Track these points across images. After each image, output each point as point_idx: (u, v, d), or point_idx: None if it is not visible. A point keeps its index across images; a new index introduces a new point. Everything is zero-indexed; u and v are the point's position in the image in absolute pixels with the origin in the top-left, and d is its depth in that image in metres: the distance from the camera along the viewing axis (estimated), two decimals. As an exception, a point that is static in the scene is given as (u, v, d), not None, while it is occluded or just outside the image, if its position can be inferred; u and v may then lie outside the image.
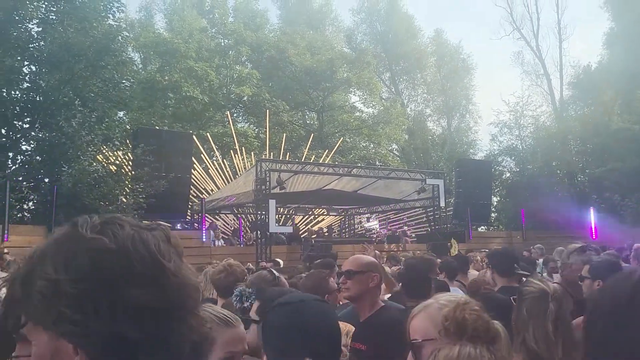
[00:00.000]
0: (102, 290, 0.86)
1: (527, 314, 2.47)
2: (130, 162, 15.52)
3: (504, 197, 27.63)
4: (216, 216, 21.28)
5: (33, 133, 15.40)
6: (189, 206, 18.29)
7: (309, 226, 24.14)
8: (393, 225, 23.67)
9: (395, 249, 17.18)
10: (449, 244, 16.25)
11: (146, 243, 0.93)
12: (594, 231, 21.45)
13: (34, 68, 15.90)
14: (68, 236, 0.92)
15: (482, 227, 25.22)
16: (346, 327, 3.40)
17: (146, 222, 1.01)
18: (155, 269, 0.91)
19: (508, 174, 28.78)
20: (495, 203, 27.48)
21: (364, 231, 25.31)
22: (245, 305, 3.57)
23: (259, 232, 16.55)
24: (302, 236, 19.59)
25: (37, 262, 0.91)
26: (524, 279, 5.66)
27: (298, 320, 1.70)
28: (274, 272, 4.17)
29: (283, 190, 16.77)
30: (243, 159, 24.49)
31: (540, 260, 10.11)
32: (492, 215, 26.86)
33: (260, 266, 8.64)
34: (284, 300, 1.80)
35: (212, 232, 17.41)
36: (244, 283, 4.61)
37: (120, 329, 0.86)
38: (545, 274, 8.34)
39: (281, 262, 10.32)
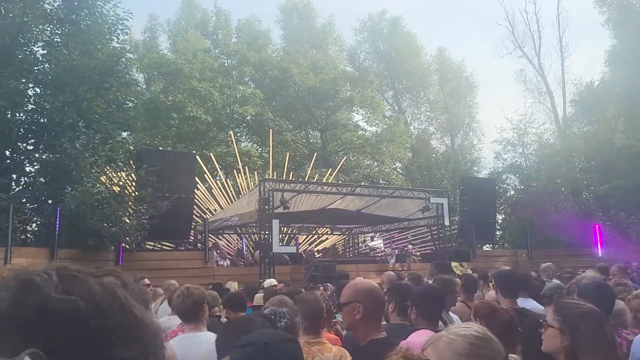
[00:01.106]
0: (81, 354, 0.79)
1: (588, 335, 2.35)
2: (133, 183, 15.56)
3: (509, 215, 27.55)
4: (219, 236, 21.27)
5: (37, 155, 15.47)
6: (192, 226, 18.30)
7: (312, 245, 24.10)
8: (398, 244, 23.60)
9: (400, 269, 17.11)
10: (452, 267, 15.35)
11: (114, 295, 0.86)
12: (599, 249, 21.32)
13: (38, 90, 16.03)
14: (29, 299, 0.81)
15: (487, 245, 25.13)
16: (340, 352, 3.46)
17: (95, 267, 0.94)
18: (130, 322, 0.85)
19: (512, 192, 28.73)
20: (500, 221, 27.39)
21: (368, 250, 25.23)
22: (280, 325, 3.56)
23: (262, 252, 16.52)
24: (303, 254, 19.54)
25: None
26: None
27: None
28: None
29: (286, 210, 16.78)
30: (246, 179, 24.55)
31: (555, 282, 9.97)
32: (497, 233, 26.76)
33: (278, 289, 8.49)
34: (250, 339, 1.79)
35: (215, 252, 17.39)
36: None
37: None
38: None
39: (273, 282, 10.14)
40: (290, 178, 24.64)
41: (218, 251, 17.97)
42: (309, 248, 22.81)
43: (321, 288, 9.47)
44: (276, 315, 3.51)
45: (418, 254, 22.11)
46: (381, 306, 3.26)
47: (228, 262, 17.90)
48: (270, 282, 9.97)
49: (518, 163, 29.32)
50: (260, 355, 1.70)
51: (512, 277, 5.14)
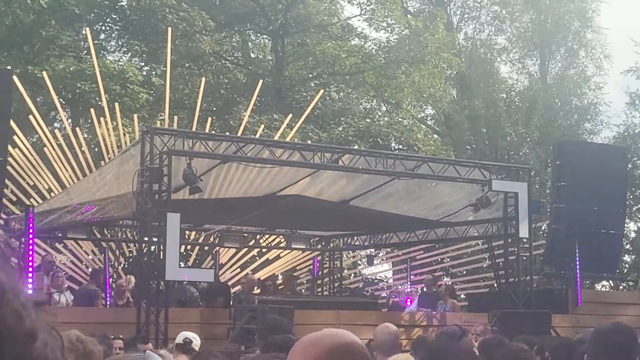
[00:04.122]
0: None
1: None
2: None
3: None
4: (57, 244, 21.23)
5: None
6: (2, 220, 18.26)
7: (246, 270, 24.23)
8: (421, 273, 23.89)
9: (424, 322, 17.36)
10: None
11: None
12: None
13: None
14: None
15: (604, 282, 25.57)
16: None
17: None
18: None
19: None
20: (632, 235, 27.83)
21: (361, 283, 25.51)
22: None
23: (143, 279, 16.61)
24: (232, 289, 19.68)
25: None
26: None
27: None
28: None
29: (197, 195, 16.83)
30: (116, 127, 24.49)
31: None
32: (626, 259, 27.22)
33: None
34: None
35: (46, 276, 17.42)
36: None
37: None
38: None
39: (196, 338, 10.38)
40: (207, 130, 24.65)
41: (50, 275, 17.99)
42: (242, 274, 22.96)
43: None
44: None
45: (463, 295, 22.42)
46: None
47: (69, 295, 17.94)
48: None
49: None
50: None
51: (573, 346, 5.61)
